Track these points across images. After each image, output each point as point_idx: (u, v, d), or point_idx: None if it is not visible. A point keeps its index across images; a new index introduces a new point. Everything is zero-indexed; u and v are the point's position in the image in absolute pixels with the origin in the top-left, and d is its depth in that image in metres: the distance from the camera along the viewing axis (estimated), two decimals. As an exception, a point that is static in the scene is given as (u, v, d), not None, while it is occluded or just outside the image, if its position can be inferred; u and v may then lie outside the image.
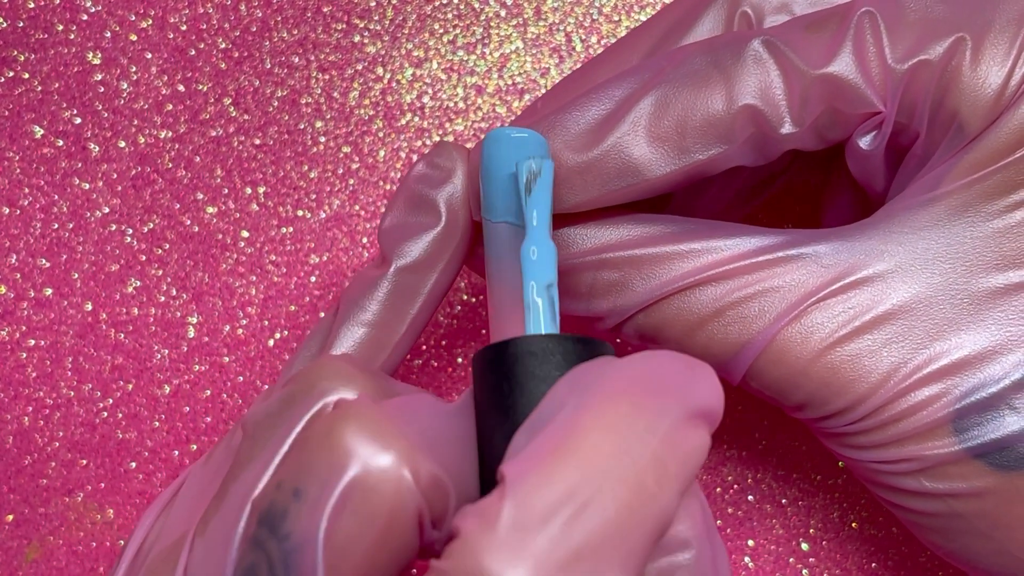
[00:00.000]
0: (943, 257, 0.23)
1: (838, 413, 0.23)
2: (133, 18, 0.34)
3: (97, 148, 0.33)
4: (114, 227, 0.33)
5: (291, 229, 0.33)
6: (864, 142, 0.24)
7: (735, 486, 0.32)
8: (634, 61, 0.25)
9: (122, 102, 0.33)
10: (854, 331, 0.23)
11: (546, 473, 0.16)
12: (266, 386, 0.33)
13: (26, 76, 0.33)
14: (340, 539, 0.18)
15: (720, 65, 0.23)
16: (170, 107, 0.33)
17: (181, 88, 0.34)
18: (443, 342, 0.33)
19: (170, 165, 0.33)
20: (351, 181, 0.33)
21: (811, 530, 0.32)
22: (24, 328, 0.32)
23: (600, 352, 0.20)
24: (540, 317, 0.20)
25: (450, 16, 0.34)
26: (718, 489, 0.32)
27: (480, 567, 0.15)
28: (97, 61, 0.33)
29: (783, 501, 0.32)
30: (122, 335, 0.32)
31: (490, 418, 0.20)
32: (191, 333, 0.33)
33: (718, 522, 0.32)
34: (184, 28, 0.33)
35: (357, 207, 0.33)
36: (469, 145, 0.33)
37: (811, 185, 0.30)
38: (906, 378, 0.23)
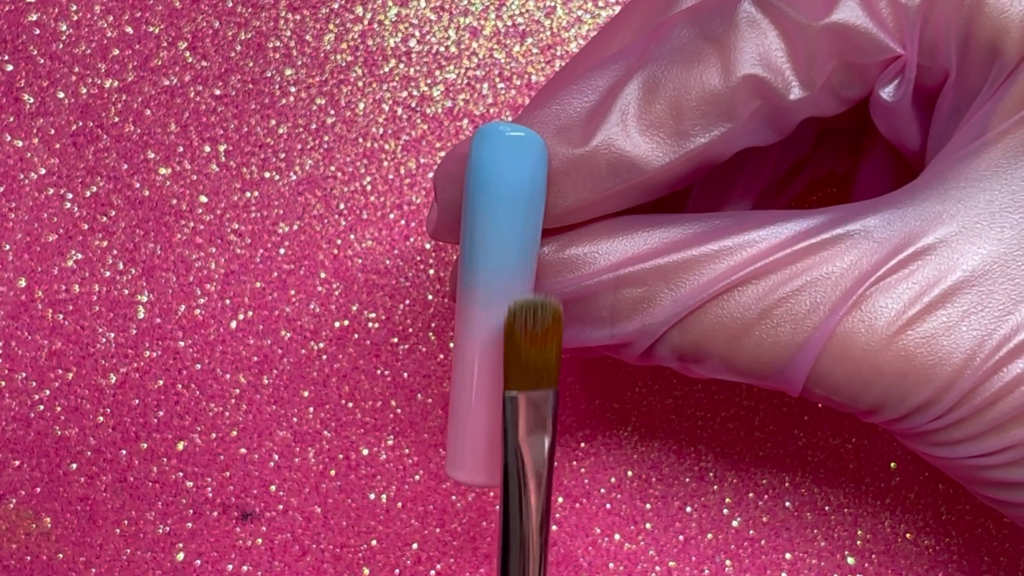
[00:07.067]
0: (1011, 207, 0.22)
1: (922, 407, 0.22)
2: (72, -52, 0.32)
3: (32, 99, 0.32)
4: (52, 191, 0.31)
5: (256, 193, 0.31)
6: (887, 92, 0.23)
7: (770, 491, 0.31)
8: (622, 44, 0.25)
9: (61, 46, 0.32)
10: (924, 308, 0.22)
11: None
12: (227, 375, 0.31)
13: (-52, 16, 0.32)
14: None
15: (710, 34, 0.22)
16: (116, 52, 0.32)
17: (129, 30, 0.32)
18: (432, 324, 0.31)
19: (116, 119, 0.32)
20: (326, 138, 0.31)
21: (858, 541, 0.31)
22: (-53, 308, 0.31)
23: None
24: None
25: (440, -54, 0.33)
26: (751, 495, 0.31)
27: None
28: (31, -2, 0.32)
29: (826, 508, 0.31)
30: (61, 316, 0.31)
31: None
32: (141, 313, 0.31)
33: (751, 532, 0.31)
34: (132, -40, 0.32)
35: (333, 168, 0.31)
36: (462, 96, 0.30)
37: (841, 170, 0.29)
38: (994, 352, 0.21)
